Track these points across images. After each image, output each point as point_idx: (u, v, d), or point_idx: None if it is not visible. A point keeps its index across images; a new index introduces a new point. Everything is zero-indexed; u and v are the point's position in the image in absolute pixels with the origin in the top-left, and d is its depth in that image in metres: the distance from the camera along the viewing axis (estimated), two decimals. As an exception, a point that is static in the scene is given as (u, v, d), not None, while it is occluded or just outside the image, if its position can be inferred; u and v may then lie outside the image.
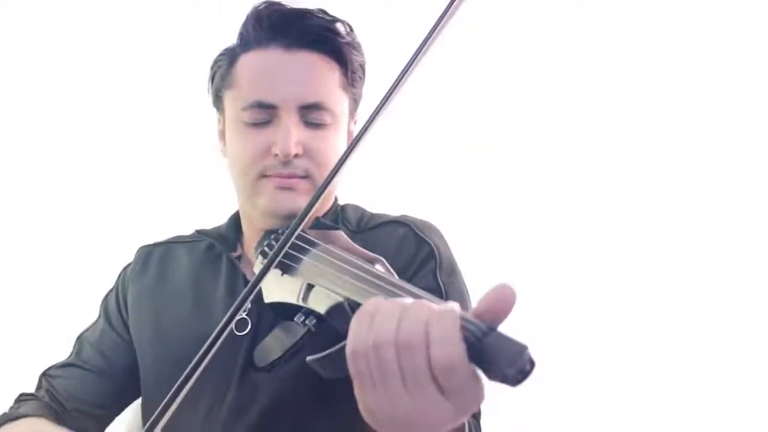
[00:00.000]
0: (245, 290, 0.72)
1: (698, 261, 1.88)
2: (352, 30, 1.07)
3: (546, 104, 1.94)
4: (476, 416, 0.91)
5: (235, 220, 1.15)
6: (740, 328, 1.85)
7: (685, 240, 1.89)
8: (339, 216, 1.09)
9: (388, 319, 0.57)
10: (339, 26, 1.05)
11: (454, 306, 0.57)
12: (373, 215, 1.11)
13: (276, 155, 0.99)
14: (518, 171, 1.95)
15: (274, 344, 0.90)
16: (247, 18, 1.05)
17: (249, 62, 1.03)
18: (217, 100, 1.09)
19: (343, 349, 0.62)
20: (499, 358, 0.53)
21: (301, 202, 1.00)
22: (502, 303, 0.56)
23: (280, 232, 0.96)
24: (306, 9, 1.04)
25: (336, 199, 1.13)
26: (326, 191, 1.03)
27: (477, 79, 1.95)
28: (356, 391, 0.60)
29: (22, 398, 1.12)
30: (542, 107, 1.95)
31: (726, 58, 1.90)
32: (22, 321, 1.94)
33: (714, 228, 1.89)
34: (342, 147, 1.05)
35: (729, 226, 1.89)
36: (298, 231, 0.76)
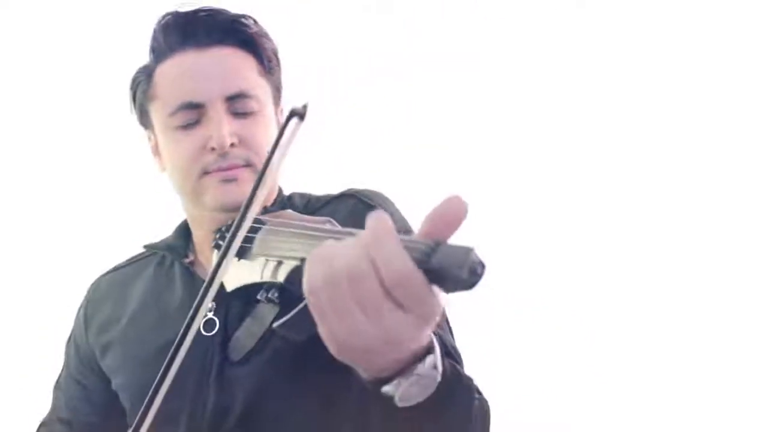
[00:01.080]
0: (205, 283, 0.73)
1: (692, 258, 1.88)
2: (256, 22, 1.09)
3: (544, 104, 1.95)
4: (456, 356, 0.90)
5: (184, 228, 1.15)
6: (739, 328, 1.85)
7: (677, 237, 1.89)
8: (286, 204, 1.09)
9: (335, 256, 0.58)
10: (244, 19, 1.07)
11: (389, 226, 0.58)
12: (319, 197, 1.12)
13: (213, 149, 1.00)
14: (516, 171, 1.96)
15: (247, 336, 0.91)
16: (155, 31, 1.08)
17: (167, 70, 1.05)
18: (143, 117, 1.12)
19: (305, 308, 0.62)
20: (448, 266, 0.54)
21: (246, 191, 0.99)
22: (451, 215, 0.57)
23: (230, 222, 0.96)
24: (209, 8, 1.07)
25: (280, 190, 1.14)
26: (273, 179, 1.05)
27: (476, 79, 1.95)
28: (320, 330, 0.60)
29: None
30: (541, 107, 1.95)
31: (726, 58, 1.90)
32: (21, 321, 1.94)
33: (707, 225, 1.89)
34: (272, 133, 1.06)
35: (725, 225, 1.89)
36: (248, 214, 0.76)
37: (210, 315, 1.00)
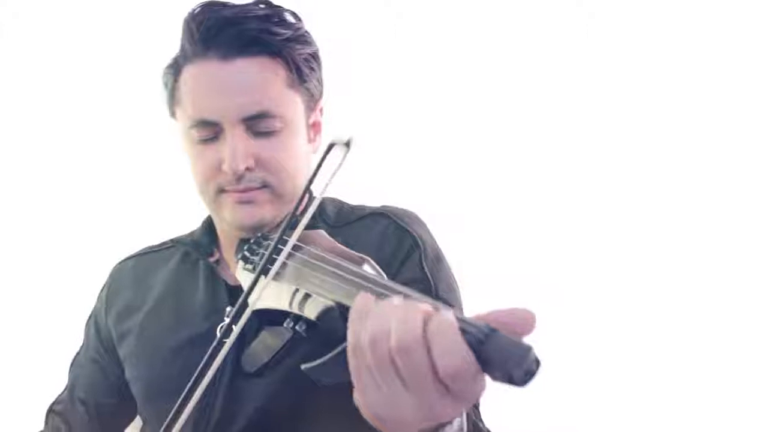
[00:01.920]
0: (237, 305, 0.72)
1: (691, 260, 1.88)
2: (298, 20, 1.01)
3: (545, 105, 1.94)
4: (476, 405, 0.89)
5: (209, 225, 1.13)
6: (738, 328, 1.84)
7: (676, 239, 1.89)
8: (316, 211, 1.05)
9: (383, 321, 0.56)
10: (280, 19, 0.99)
11: (449, 311, 0.56)
12: (352, 208, 1.09)
13: (225, 171, 0.96)
14: (515, 170, 1.95)
15: (262, 349, 0.89)
16: (183, 26, 1.00)
17: (189, 77, 0.99)
18: (172, 114, 1.07)
19: (338, 355, 0.62)
20: (504, 360, 0.53)
21: (263, 213, 0.99)
22: (519, 326, 0.55)
23: (260, 236, 0.95)
24: (242, 7, 0.98)
25: (311, 192, 1.09)
26: (296, 197, 1.01)
27: (476, 80, 1.95)
28: (357, 392, 0.59)
29: None
30: (541, 109, 1.94)
31: (725, 58, 1.90)
32: (21, 321, 1.94)
33: (705, 227, 1.89)
34: (298, 147, 1.01)
35: (724, 226, 1.88)
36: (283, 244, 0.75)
37: (228, 320, 0.98)
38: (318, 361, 0.67)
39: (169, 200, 1.92)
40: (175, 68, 1.02)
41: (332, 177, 0.77)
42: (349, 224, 1.04)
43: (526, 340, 0.55)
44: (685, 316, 1.86)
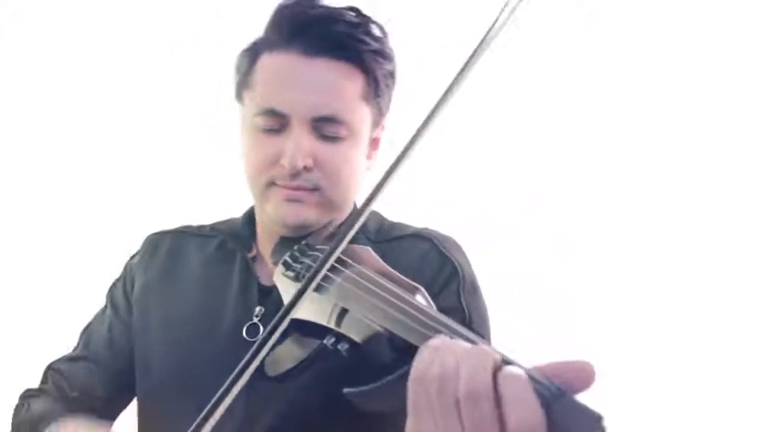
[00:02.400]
0: (277, 317, 0.71)
1: (692, 263, 1.88)
2: (384, 34, 1.00)
3: (546, 107, 1.94)
4: None
5: (251, 217, 1.11)
6: (738, 329, 1.84)
7: (677, 243, 1.89)
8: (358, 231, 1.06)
9: (453, 362, 0.56)
10: (368, 30, 0.98)
11: (518, 366, 0.56)
12: (393, 225, 1.07)
13: (283, 166, 0.95)
14: (515, 170, 1.95)
15: (288, 354, 0.88)
16: (273, 14, 0.99)
17: (267, 65, 0.98)
18: (239, 96, 1.05)
19: (384, 386, 0.62)
20: (572, 425, 0.52)
21: (308, 214, 0.98)
22: (579, 381, 0.55)
23: (303, 243, 0.93)
24: (334, 10, 0.98)
25: (355, 206, 1.09)
26: (343, 207, 1.01)
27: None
28: (410, 425, 0.59)
29: (30, 394, 1.09)
30: (542, 110, 1.94)
31: (725, 58, 1.90)
32: (21, 321, 1.94)
33: (708, 229, 1.89)
34: (358, 159, 1.00)
35: (725, 227, 1.88)
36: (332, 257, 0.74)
37: (256, 320, 0.98)
38: (362, 389, 0.66)
39: (169, 200, 1.92)
40: (253, 53, 1.00)
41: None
42: (388, 241, 1.03)
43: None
44: (680, 319, 1.86)
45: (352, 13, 0.98)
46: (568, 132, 1.95)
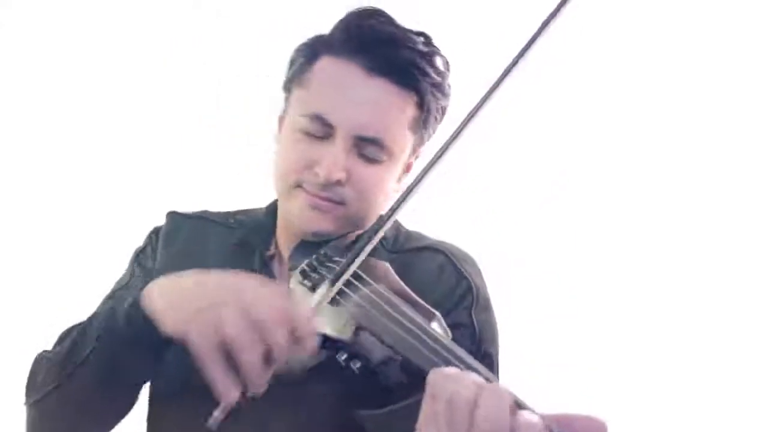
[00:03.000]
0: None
1: (692, 264, 1.88)
2: (447, 68, 1.00)
3: (547, 108, 1.94)
4: None
5: (273, 211, 1.09)
6: (738, 330, 1.84)
7: (676, 245, 1.89)
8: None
9: (469, 397, 0.57)
10: (433, 62, 0.98)
11: (533, 411, 0.57)
12: (409, 234, 1.06)
13: (317, 174, 0.94)
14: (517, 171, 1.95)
15: (294, 362, 0.88)
16: (342, 20, 0.99)
17: (326, 69, 0.97)
18: (287, 89, 1.04)
19: (397, 411, 0.63)
20: None
21: (328, 225, 0.97)
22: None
23: (322, 253, 0.93)
24: (406, 33, 0.97)
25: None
26: (363, 225, 1.00)
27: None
28: None
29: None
30: (542, 112, 1.94)
31: (725, 58, 1.90)
32: (21, 321, 1.94)
33: (710, 231, 1.89)
34: (389, 183, 1.00)
35: (726, 228, 1.88)
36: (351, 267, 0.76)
37: None
38: (374, 412, 0.67)
39: (169, 199, 1.92)
40: (313, 51, 0.99)
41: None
42: (404, 252, 1.02)
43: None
44: (680, 320, 1.86)
45: (422, 39, 0.97)
46: (575, 140, 1.95)
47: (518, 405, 0.58)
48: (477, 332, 0.96)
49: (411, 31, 0.97)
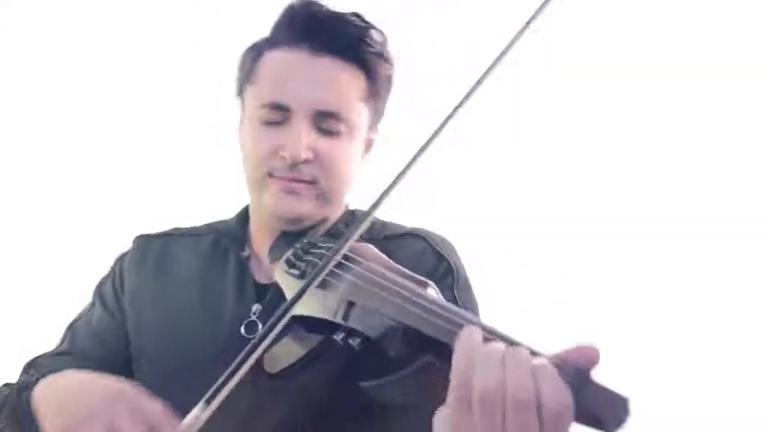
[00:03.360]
0: (281, 310, 0.71)
1: (695, 266, 1.88)
2: (385, 40, 1.04)
3: (548, 108, 1.94)
4: None
5: (244, 216, 1.13)
6: (738, 331, 1.84)
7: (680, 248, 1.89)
8: (350, 222, 1.07)
9: (496, 374, 0.57)
10: (372, 34, 1.02)
11: (542, 356, 0.58)
12: (384, 224, 1.09)
13: (284, 157, 0.98)
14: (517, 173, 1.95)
15: (286, 352, 0.88)
16: (282, 14, 1.03)
17: (273, 60, 1.02)
18: (240, 92, 1.08)
19: (403, 379, 0.63)
20: (600, 408, 0.54)
21: (304, 207, 1.00)
22: (586, 361, 0.57)
23: (306, 242, 0.94)
24: (340, 13, 1.02)
25: (347, 205, 1.11)
26: (337, 202, 1.03)
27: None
28: (448, 424, 0.60)
29: (8, 385, 1.05)
30: (542, 112, 1.94)
31: (726, 59, 1.90)
32: (21, 321, 1.94)
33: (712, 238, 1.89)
34: (354, 155, 1.03)
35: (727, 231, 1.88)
36: (342, 250, 0.76)
37: (254, 318, 0.99)
38: (380, 380, 0.67)
39: (169, 199, 1.92)
40: (258, 50, 1.04)
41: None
42: (382, 240, 1.04)
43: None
44: (681, 321, 1.86)
45: (357, 19, 1.02)
46: (566, 133, 1.95)
47: (532, 354, 0.59)
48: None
49: (346, 12, 1.02)
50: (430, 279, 0.97)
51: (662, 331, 1.86)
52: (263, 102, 1.00)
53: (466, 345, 0.60)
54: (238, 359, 0.70)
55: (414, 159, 0.77)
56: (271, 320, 0.71)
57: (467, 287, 1.03)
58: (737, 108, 1.90)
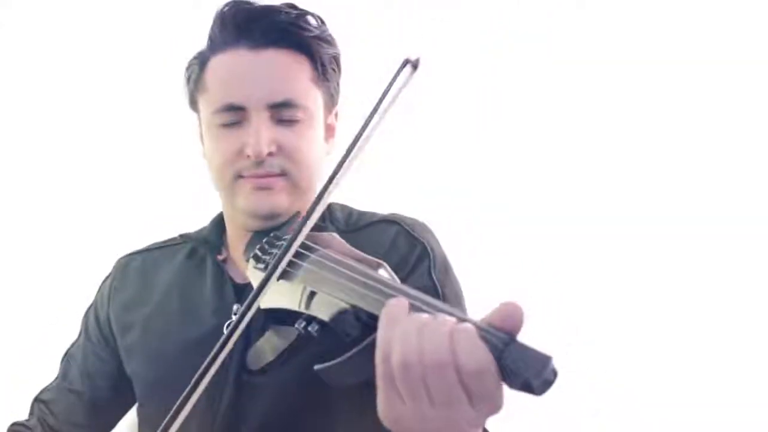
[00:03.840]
0: (246, 303, 0.72)
1: (696, 265, 1.88)
2: (322, 23, 1.06)
3: (545, 109, 1.94)
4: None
5: (219, 222, 1.14)
6: (739, 332, 1.84)
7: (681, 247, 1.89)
8: (326, 215, 1.08)
9: (412, 341, 0.57)
10: (307, 20, 1.03)
11: (468, 320, 0.58)
12: (361, 213, 1.10)
13: (248, 156, 0.98)
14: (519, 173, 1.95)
15: (267, 347, 0.89)
16: (214, 19, 1.05)
17: (217, 65, 1.02)
18: (193, 104, 1.10)
19: (351, 358, 0.63)
20: (523, 368, 0.54)
21: (279, 201, 1.00)
22: (510, 321, 0.57)
23: (272, 236, 0.95)
24: (271, 6, 1.03)
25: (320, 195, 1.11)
26: (310, 190, 1.04)
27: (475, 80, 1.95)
28: (381, 403, 0.60)
29: (15, 430, 1.13)
30: (542, 112, 1.94)
31: (726, 59, 1.90)
32: (21, 321, 1.94)
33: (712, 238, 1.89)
34: (317, 142, 1.04)
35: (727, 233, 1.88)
36: (298, 242, 0.76)
37: (234, 318, 0.99)
38: (331, 363, 0.67)
39: (168, 199, 1.92)
40: (202, 60, 1.05)
41: (397, 94, 0.78)
42: (358, 230, 1.05)
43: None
44: (681, 320, 1.86)
45: (289, 7, 1.03)
46: (565, 134, 1.95)
47: (461, 320, 0.58)
48: (440, 293, 0.99)
49: (275, 4, 1.03)
50: (406, 263, 1.00)
51: (662, 331, 1.87)
52: (216, 107, 1.00)
53: (387, 318, 0.61)
54: (209, 357, 0.71)
55: (352, 146, 0.77)
56: (238, 315, 0.72)
57: (446, 269, 1.03)
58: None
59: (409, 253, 1.01)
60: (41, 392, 1.17)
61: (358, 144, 0.77)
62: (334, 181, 0.77)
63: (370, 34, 1.87)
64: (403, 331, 0.58)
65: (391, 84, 0.79)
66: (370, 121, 0.77)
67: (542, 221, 1.92)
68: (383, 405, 0.60)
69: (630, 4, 1.93)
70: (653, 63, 1.91)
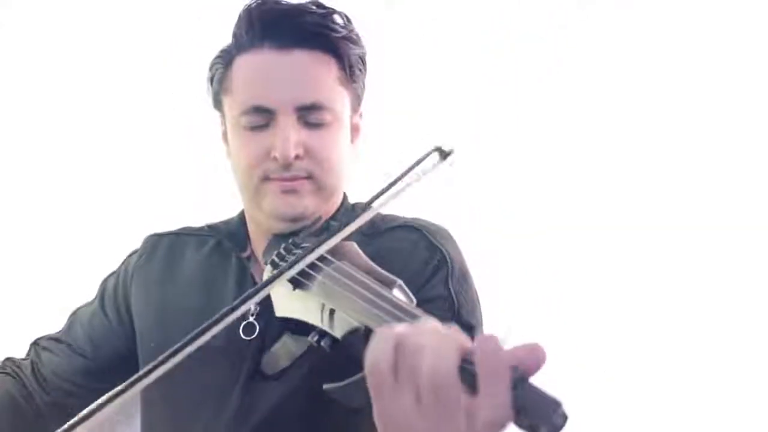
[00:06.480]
0: (246, 294, 0.71)
1: (695, 266, 1.88)
2: (349, 22, 1.04)
3: (545, 107, 1.94)
4: None
5: (244, 218, 1.14)
6: (739, 333, 1.84)
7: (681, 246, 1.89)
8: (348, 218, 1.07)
9: (417, 358, 0.55)
10: (334, 19, 1.02)
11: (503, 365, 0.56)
12: (384, 217, 1.09)
13: (276, 159, 0.98)
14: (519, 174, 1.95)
15: (284, 354, 0.89)
16: (240, 18, 1.03)
17: (243, 65, 1.01)
18: (217, 103, 1.08)
19: (359, 381, 0.62)
20: (532, 411, 0.52)
21: (305, 204, 1.00)
22: (532, 362, 0.55)
23: (291, 242, 0.94)
24: (299, 4, 1.02)
25: (345, 197, 1.11)
26: (336, 193, 1.04)
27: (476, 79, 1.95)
28: (377, 416, 0.59)
29: (6, 365, 1.14)
30: (541, 111, 1.94)
31: (727, 60, 1.89)
32: (21, 321, 1.94)
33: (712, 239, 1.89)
34: (344, 144, 1.03)
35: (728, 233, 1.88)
36: (314, 255, 0.75)
37: (252, 319, 0.99)
38: (339, 384, 0.67)
39: (168, 200, 1.92)
40: (227, 59, 1.04)
41: (417, 179, 0.77)
42: (380, 234, 1.04)
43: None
44: (682, 320, 1.86)
45: (315, 7, 1.02)
46: (566, 132, 1.95)
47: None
48: (455, 303, 0.97)
49: (302, 3, 1.02)
50: (424, 271, 0.99)
51: (662, 331, 1.87)
52: (243, 109, 0.99)
53: (386, 330, 0.59)
54: (195, 330, 0.71)
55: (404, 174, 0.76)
56: (225, 310, 0.70)
57: (463, 279, 1.02)
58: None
59: (428, 261, 1.00)
60: (42, 338, 1.17)
61: (364, 215, 0.77)
62: (337, 236, 0.76)
63: (371, 34, 1.86)
64: (404, 337, 0.57)
65: (413, 166, 0.78)
66: (380, 194, 0.77)
67: (542, 221, 1.91)
68: (379, 419, 0.59)
69: (630, 4, 1.93)
70: (654, 63, 1.91)
